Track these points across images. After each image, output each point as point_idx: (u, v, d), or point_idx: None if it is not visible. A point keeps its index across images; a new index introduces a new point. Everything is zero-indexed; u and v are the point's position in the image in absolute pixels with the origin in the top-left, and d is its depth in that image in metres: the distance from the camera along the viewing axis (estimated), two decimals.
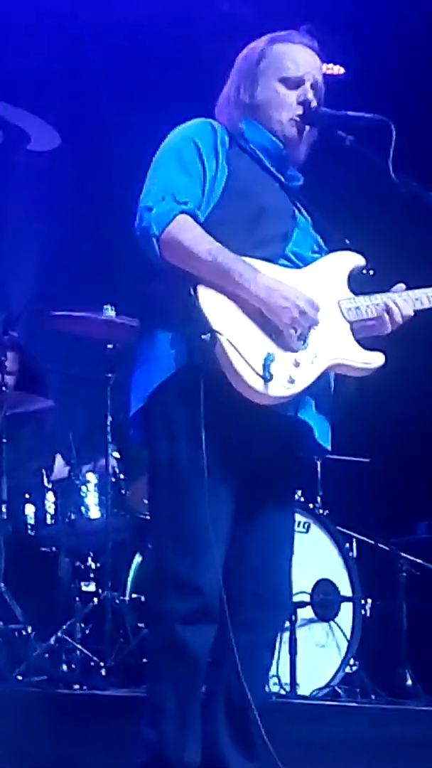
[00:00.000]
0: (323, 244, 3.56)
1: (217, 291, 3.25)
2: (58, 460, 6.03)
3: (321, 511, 5.78)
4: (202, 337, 3.19)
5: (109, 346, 5.48)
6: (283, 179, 3.52)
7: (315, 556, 5.58)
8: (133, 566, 5.52)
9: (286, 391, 3.25)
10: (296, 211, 3.51)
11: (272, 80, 3.49)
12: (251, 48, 3.58)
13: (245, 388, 3.21)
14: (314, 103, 3.50)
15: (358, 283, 3.49)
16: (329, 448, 3.46)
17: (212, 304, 3.24)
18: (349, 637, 5.57)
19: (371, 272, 3.51)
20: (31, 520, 5.60)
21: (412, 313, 3.49)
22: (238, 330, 3.23)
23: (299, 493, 5.70)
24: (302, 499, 5.73)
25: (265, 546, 3.42)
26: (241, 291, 3.25)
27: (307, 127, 3.51)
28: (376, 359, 3.41)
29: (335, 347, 3.36)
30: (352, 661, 5.55)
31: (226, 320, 3.23)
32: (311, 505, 5.76)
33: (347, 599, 5.58)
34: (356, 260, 3.50)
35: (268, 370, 3.21)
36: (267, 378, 3.20)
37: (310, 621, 5.50)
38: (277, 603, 3.47)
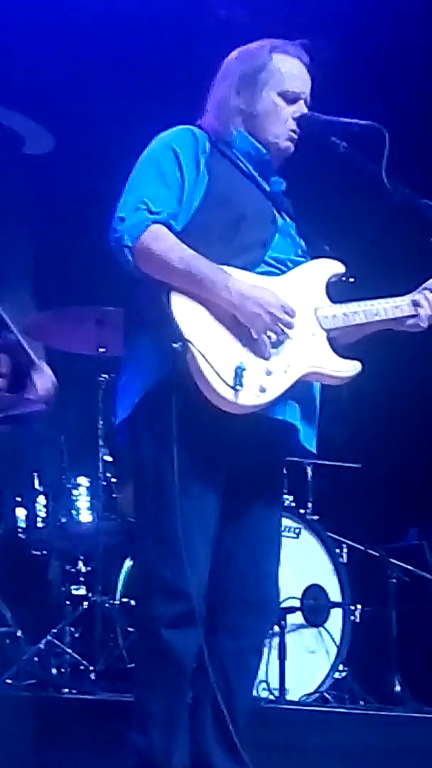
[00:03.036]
0: (307, 249, 3.57)
1: (191, 298, 3.26)
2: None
3: (311, 516, 5.78)
4: (174, 345, 3.19)
5: (101, 349, 5.48)
6: (266, 185, 3.53)
7: (305, 562, 5.58)
8: (124, 570, 5.51)
9: (257, 400, 3.25)
10: (278, 216, 3.51)
11: (272, 92, 3.50)
12: (249, 54, 3.57)
13: (215, 397, 3.21)
14: None
15: (339, 291, 3.49)
16: (314, 451, 3.46)
17: (184, 311, 3.25)
18: (338, 642, 5.57)
19: (351, 280, 3.51)
20: (21, 524, 5.61)
21: None
22: (210, 338, 3.24)
23: (290, 498, 5.71)
24: (293, 504, 5.73)
25: (253, 550, 3.43)
26: (214, 298, 3.25)
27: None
28: (351, 368, 3.40)
29: (310, 356, 3.36)
30: (341, 667, 5.55)
31: (198, 328, 3.23)
32: (302, 511, 5.76)
33: (337, 605, 5.59)
34: (336, 268, 3.51)
35: (240, 379, 3.20)
36: (237, 388, 3.20)
37: (300, 626, 5.50)
38: (264, 609, 3.47)
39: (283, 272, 3.45)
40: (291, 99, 3.51)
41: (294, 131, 3.51)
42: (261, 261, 3.41)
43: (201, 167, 3.42)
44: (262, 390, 3.25)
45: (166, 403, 3.23)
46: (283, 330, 3.28)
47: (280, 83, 3.50)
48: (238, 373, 3.21)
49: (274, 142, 3.51)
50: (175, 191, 3.37)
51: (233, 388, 3.19)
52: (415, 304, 3.51)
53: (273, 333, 3.27)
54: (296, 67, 3.54)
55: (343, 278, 3.51)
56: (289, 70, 3.52)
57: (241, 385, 3.20)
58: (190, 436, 3.23)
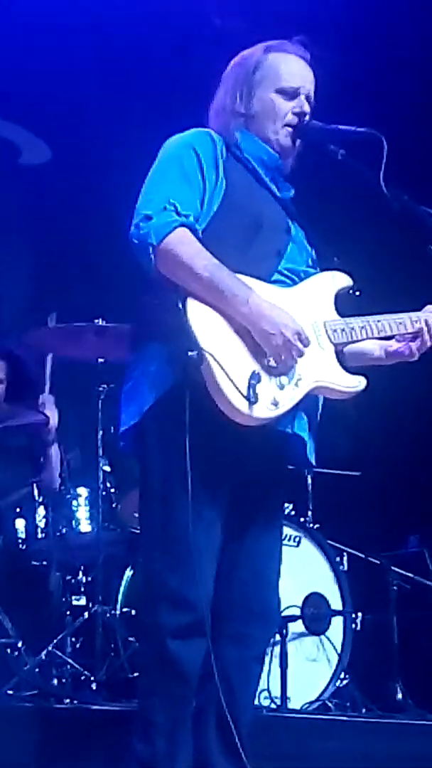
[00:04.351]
0: (316, 258, 3.57)
1: (208, 306, 3.24)
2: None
3: (312, 524, 5.78)
4: (189, 353, 3.17)
5: (101, 360, 5.48)
6: (277, 191, 3.52)
7: (306, 570, 5.57)
8: (124, 580, 5.50)
9: (269, 413, 3.24)
10: (291, 225, 3.51)
11: (269, 91, 3.49)
12: (245, 56, 3.57)
13: (229, 409, 3.20)
14: (307, 117, 3.50)
15: (345, 304, 3.49)
16: (314, 463, 3.47)
17: (201, 319, 3.23)
18: (339, 650, 5.56)
19: (357, 293, 3.51)
20: (21, 534, 5.60)
21: None
22: (226, 348, 3.22)
23: (290, 506, 5.71)
24: (293, 512, 5.73)
25: (254, 560, 3.42)
26: (232, 310, 3.24)
27: (298, 140, 3.52)
28: (358, 383, 3.41)
29: (319, 370, 3.36)
30: (342, 675, 5.54)
31: (214, 337, 3.22)
32: (302, 519, 5.75)
33: (338, 613, 5.58)
34: (344, 281, 3.51)
35: (253, 391, 3.19)
36: (251, 400, 3.19)
37: (301, 635, 5.49)
38: (266, 617, 3.47)
39: (295, 283, 3.44)
40: (290, 95, 3.49)
41: (292, 125, 3.49)
42: (275, 271, 3.40)
43: (220, 171, 3.40)
44: (275, 403, 3.25)
45: (176, 413, 3.19)
46: (293, 356, 3.27)
47: (276, 81, 3.49)
48: (252, 385, 3.20)
49: (273, 139, 3.50)
50: (197, 193, 3.34)
51: (248, 399, 3.18)
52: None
53: (284, 356, 3.25)
54: (294, 63, 3.52)
55: (350, 291, 3.51)
56: (286, 66, 3.50)
57: (255, 397, 3.19)
58: (200, 447, 3.20)
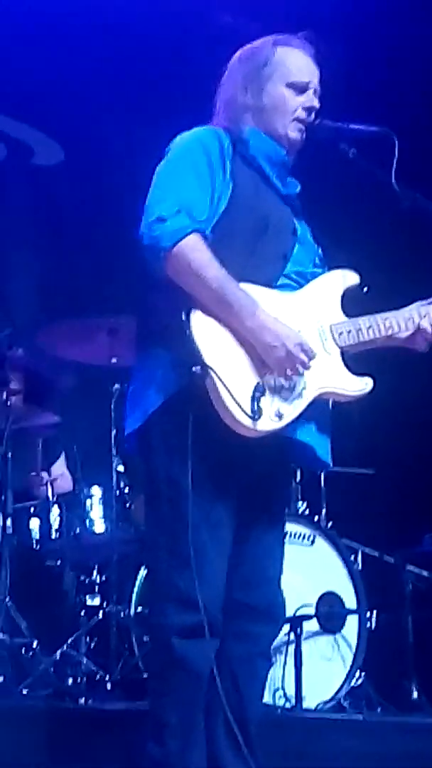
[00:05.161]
0: (323, 255, 3.56)
1: (212, 317, 3.23)
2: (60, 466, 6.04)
3: (326, 523, 5.77)
4: (193, 369, 3.17)
5: (114, 359, 5.49)
6: (282, 187, 3.51)
7: (320, 569, 5.56)
8: (138, 579, 5.51)
9: (273, 425, 3.24)
10: (297, 225, 3.50)
11: (279, 85, 3.47)
12: (253, 50, 3.55)
13: (233, 422, 3.20)
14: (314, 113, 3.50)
15: (350, 299, 3.48)
16: (330, 462, 3.46)
17: (205, 333, 3.22)
18: (354, 649, 5.55)
19: (365, 289, 3.49)
20: (36, 534, 5.61)
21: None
22: (229, 362, 3.22)
23: (304, 505, 5.70)
24: (307, 511, 5.72)
25: (257, 559, 3.43)
26: (237, 323, 3.23)
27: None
28: (364, 385, 3.40)
29: (324, 377, 3.35)
30: (357, 674, 5.53)
31: (218, 351, 3.21)
32: (316, 518, 5.74)
33: (352, 612, 5.56)
34: (351, 279, 3.49)
35: (257, 404, 3.19)
36: (255, 415, 3.19)
37: (315, 634, 5.47)
38: (271, 615, 3.47)
39: (302, 285, 3.42)
40: (299, 89, 3.48)
41: (301, 120, 3.48)
42: (281, 275, 3.39)
43: (227, 172, 3.38)
44: (279, 415, 3.25)
45: (181, 417, 3.20)
46: (297, 370, 3.26)
47: (286, 75, 3.48)
48: (256, 398, 3.20)
49: (283, 134, 3.49)
50: (208, 194, 3.33)
51: (251, 415, 3.19)
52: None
53: (288, 369, 3.25)
54: (301, 58, 3.51)
55: (359, 288, 3.50)
56: (294, 61, 3.50)
57: (259, 411, 3.19)
58: (205, 450, 3.21)
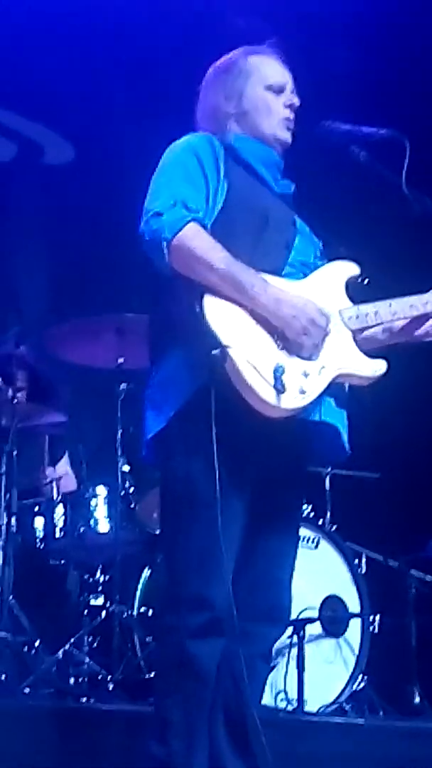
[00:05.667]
0: (324, 249, 3.57)
1: (225, 300, 3.25)
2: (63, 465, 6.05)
3: (330, 526, 5.77)
4: (213, 352, 3.18)
5: (120, 359, 5.48)
6: (276, 188, 3.55)
7: (323, 572, 5.56)
8: (142, 580, 5.51)
9: (298, 403, 3.24)
10: (296, 219, 3.53)
11: (258, 88, 3.57)
12: (227, 62, 3.66)
13: (257, 402, 3.20)
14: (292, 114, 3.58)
15: (356, 294, 3.49)
16: (349, 451, 3.46)
17: (220, 316, 3.23)
18: (357, 653, 5.55)
19: (365, 281, 3.51)
20: (40, 533, 5.61)
21: None
22: (247, 341, 3.23)
23: (309, 508, 5.70)
24: (311, 514, 5.72)
25: (265, 558, 3.42)
26: (250, 301, 3.25)
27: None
28: (379, 366, 3.41)
29: (341, 357, 3.37)
30: (360, 678, 5.53)
31: (235, 332, 3.22)
32: (320, 521, 5.75)
33: (356, 615, 5.57)
34: (352, 269, 3.51)
35: (280, 381, 3.20)
36: (280, 390, 3.19)
37: (318, 637, 5.48)
38: (273, 617, 3.46)
39: (306, 275, 3.45)
40: (277, 90, 3.58)
41: (288, 119, 3.58)
42: (285, 264, 3.42)
43: (221, 173, 3.43)
44: (302, 392, 3.25)
45: (202, 416, 3.19)
46: (317, 335, 3.29)
47: (263, 79, 3.58)
48: (278, 375, 3.20)
49: (270, 134, 3.56)
50: (202, 191, 3.38)
51: (276, 389, 3.19)
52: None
53: (309, 336, 3.27)
54: (273, 63, 3.62)
55: (358, 279, 3.51)
56: (268, 65, 3.61)
57: (282, 387, 3.20)
58: (225, 449, 3.20)
